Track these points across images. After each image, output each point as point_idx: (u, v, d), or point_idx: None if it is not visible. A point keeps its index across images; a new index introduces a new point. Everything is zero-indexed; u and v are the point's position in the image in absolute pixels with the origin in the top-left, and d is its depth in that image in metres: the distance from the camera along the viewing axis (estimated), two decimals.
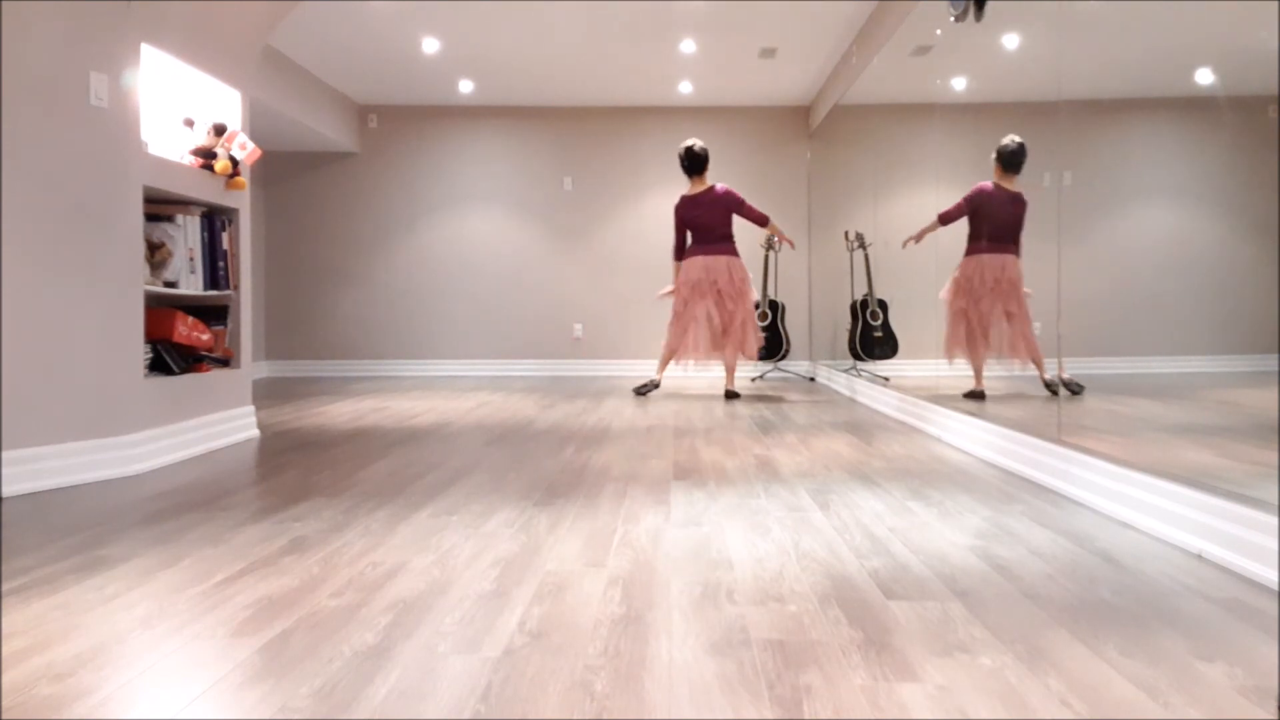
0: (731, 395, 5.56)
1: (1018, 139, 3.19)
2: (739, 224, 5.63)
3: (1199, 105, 2.35)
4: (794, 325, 7.47)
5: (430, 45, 6.04)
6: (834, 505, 2.47)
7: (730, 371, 5.64)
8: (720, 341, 5.50)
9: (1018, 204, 2.89)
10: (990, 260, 3.20)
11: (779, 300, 7.10)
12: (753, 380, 6.98)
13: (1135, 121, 2.68)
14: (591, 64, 6.49)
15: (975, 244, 3.24)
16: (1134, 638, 1.45)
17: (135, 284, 3.07)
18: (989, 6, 3.33)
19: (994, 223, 3.24)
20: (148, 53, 3.20)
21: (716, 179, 7.52)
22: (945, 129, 4.01)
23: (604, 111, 7.72)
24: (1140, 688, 1.26)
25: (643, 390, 5.77)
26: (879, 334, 5.77)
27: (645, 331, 7.62)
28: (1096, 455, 2.44)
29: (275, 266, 7.79)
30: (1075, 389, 2.79)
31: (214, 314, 3.72)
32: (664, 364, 5.69)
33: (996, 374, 3.63)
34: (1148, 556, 1.93)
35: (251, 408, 3.89)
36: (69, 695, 1.25)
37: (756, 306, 6.88)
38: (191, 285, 3.47)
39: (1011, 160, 3.16)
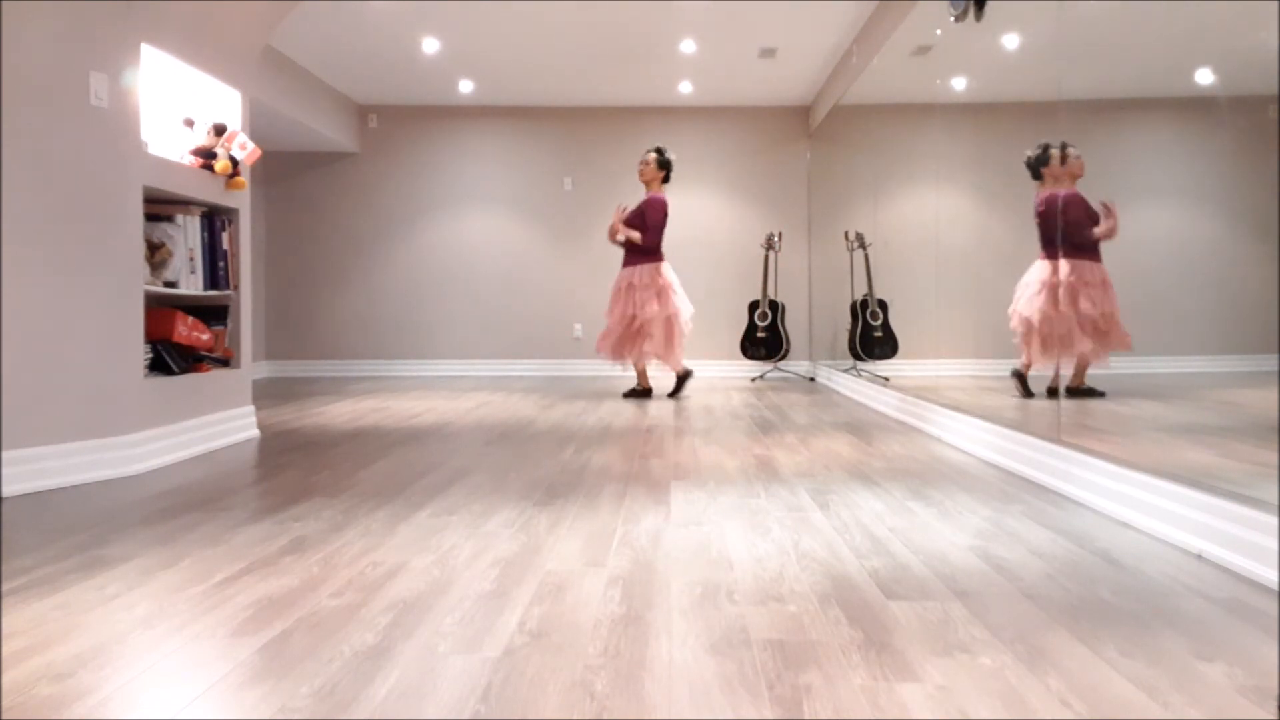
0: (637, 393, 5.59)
1: (1034, 149, 3.12)
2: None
3: (1199, 105, 2.35)
4: (794, 325, 7.47)
5: (430, 45, 6.04)
6: (834, 505, 2.47)
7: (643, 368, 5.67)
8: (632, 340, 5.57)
9: (1069, 205, 2.82)
10: (1047, 266, 3.13)
11: (779, 300, 7.09)
12: (753, 380, 6.98)
13: (1135, 121, 2.68)
14: (591, 64, 6.49)
15: (1043, 250, 3.19)
16: (1134, 638, 1.45)
17: (135, 284, 3.07)
18: (989, 6, 3.33)
19: (1046, 231, 3.19)
20: (148, 53, 3.20)
21: (716, 179, 7.61)
22: (945, 129, 4.01)
23: (604, 111, 7.71)
24: (1140, 688, 1.26)
25: (675, 393, 5.77)
26: (879, 334, 5.77)
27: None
28: (1096, 455, 2.44)
29: (275, 266, 7.79)
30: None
31: (214, 314, 3.72)
32: (666, 361, 5.73)
33: (995, 372, 3.62)
34: (1148, 556, 1.93)
35: (251, 408, 3.89)
36: (69, 695, 1.25)
37: (755, 305, 6.92)
38: (191, 285, 3.47)
39: (1034, 168, 3.10)
